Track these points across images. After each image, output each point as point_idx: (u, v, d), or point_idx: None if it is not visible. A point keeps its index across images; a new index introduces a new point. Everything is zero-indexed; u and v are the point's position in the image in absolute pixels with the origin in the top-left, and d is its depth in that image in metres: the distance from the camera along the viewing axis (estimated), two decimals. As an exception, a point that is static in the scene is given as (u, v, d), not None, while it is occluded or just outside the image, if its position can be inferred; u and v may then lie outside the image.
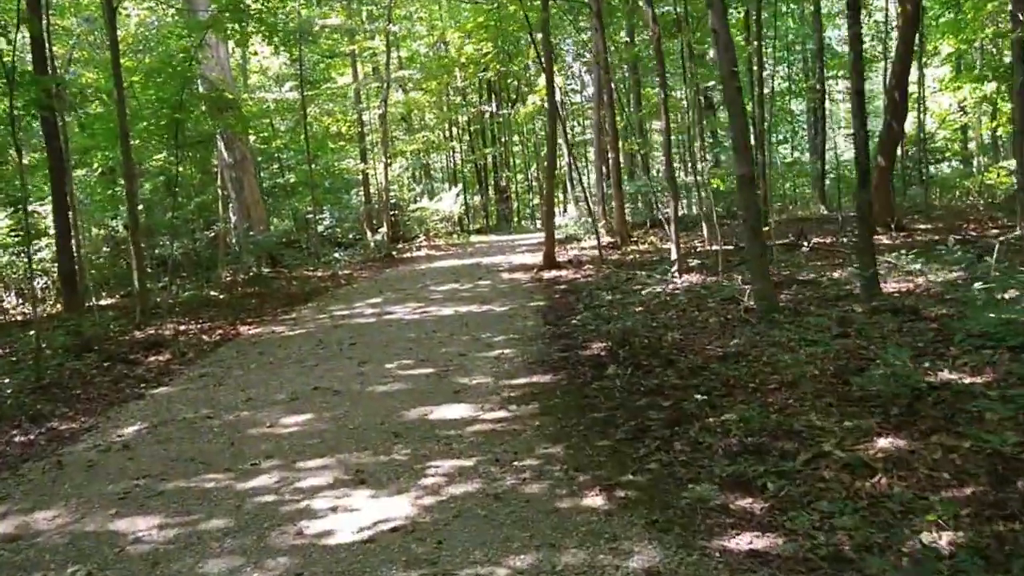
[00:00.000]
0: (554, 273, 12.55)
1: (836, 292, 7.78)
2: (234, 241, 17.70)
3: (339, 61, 27.81)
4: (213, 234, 17.27)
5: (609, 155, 18.11)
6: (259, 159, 21.86)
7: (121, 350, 9.09)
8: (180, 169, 12.92)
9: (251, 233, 16.17)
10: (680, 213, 16.69)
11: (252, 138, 20.13)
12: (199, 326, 10.66)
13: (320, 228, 20.64)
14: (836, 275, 9.01)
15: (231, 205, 17.73)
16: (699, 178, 14.21)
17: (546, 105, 17.61)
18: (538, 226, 40.89)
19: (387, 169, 21.17)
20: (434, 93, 26.81)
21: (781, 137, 28.47)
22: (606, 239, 17.88)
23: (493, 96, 35.10)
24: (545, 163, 16.27)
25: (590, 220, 17.55)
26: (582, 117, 35.21)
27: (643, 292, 9.44)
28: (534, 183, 45.15)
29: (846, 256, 10.23)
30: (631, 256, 14.17)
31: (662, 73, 11.04)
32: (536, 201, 45.58)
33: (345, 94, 27.37)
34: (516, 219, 39.94)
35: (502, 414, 5.23)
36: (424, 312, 9.82)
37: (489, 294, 11.00)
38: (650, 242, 16.11)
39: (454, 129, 35.66)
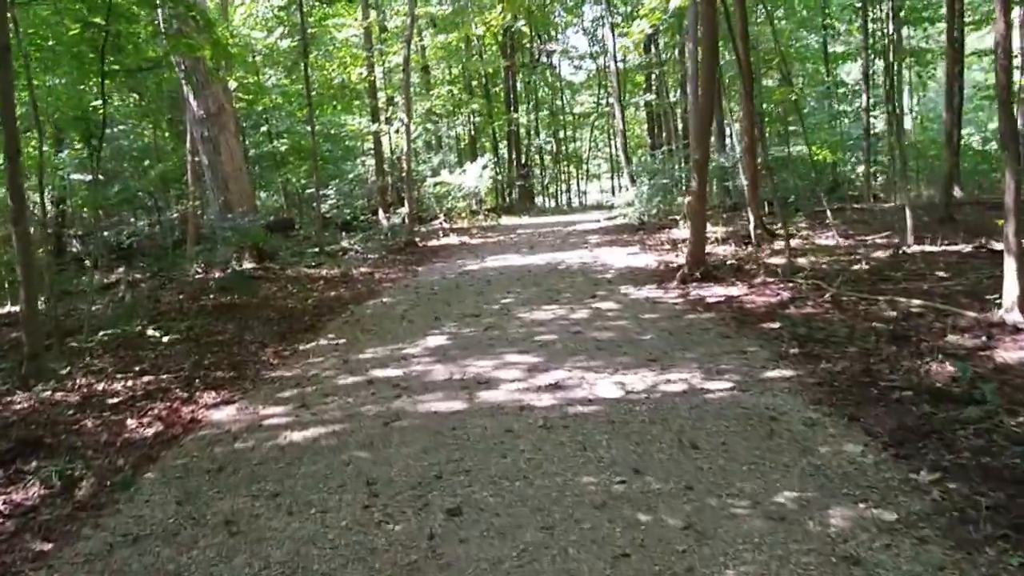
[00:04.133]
0: (716, 290, 7.78)
1: None
2: (208, 219, 12.84)
3: (344, 5, 22.48)
4: (177, 215, 12.43)
5: (732, 113, 13.33)
6: (243, 125, 16.95)
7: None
8: (105, 111, 8.05)
9: (229, 215, 11.33)
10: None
11: (233, 85, 15.21)
12: (131, 383, 5.97)
13: (323, 208, 15.81)
14: None
15: (204, 175, 12.89)
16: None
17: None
18: (558, 205, 36.02)
19: (409, 131, 16.29)
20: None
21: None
22: (713, 230, 13.13)
23: (508, 55, 30.16)
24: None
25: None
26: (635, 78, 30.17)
27: (1001, 360, 4.75)
28: (546, 157, 39.95)
29: None
30: (799, 257, 9.43)
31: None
32: (556, 174, 40.59)
33: (347, 42, 22.31)
34: (538, 198, 35.07)
35: None
36: (555, 387, 4.99)
37: (644, 337, 6.14)
38: (803, 235, 11.33)
39: (468, 94, 30.59)
